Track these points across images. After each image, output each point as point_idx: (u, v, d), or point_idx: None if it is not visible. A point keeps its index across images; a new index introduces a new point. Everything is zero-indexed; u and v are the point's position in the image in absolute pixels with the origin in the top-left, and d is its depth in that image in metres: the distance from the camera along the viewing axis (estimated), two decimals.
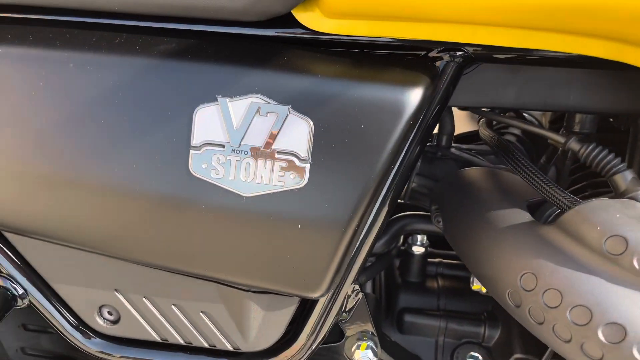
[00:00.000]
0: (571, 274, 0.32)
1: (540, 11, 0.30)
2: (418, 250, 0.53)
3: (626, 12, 0.29)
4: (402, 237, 0.53)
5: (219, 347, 0.41)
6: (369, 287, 0.53)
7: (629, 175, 0.36)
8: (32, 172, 0.34)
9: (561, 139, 0.39)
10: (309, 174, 0.33)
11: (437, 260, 0.54)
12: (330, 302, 0.40)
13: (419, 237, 0.53)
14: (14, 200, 0.35)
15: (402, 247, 0.54)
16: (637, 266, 0.31)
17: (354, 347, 0.42)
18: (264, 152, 0.33)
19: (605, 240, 0.32)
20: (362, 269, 0.50)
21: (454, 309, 0.50)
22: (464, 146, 0.53)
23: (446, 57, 0.36)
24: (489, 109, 0.47)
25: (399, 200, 0.49)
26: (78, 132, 0.33)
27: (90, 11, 0.35)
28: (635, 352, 0.30)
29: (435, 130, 0.48)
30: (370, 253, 0.41)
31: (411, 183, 0.46)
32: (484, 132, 0.46)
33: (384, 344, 0.47)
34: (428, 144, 0.49)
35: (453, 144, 0.49)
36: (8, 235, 0.40)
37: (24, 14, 0.36)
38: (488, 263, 0.36)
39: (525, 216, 0.37)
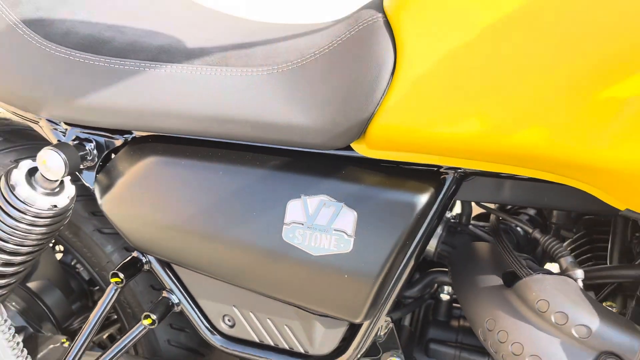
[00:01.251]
0: (518, 324, 0.50)
1: (509, 158, 0.48)
2: (445, 297, 0.71)
3: (571, 164, 0.46)
4: (434, 286, 0.71)
5: (295, 349, 0.62)
6: (407, 321, 0.72)
7: (569, 259, 0.52)
8: (195, 234, 0.58)
9: (529, 229, 0.56)
10: (353, 244, 0.53)
11: (459, 305, 0.72)
12: (370, 327, 0.60)
13: (446, 287, 0.71)
14: (183, 248, 0.60)
15: (434, 294, 0.72)
16: (575, 335, 0.48)
17: (387, 358, 0.62)
18: (326, 229, 0.54)
19: (552, 314, 0.49)
20: (397, 306, 0.69)
21: (468, 342, 0.67)
22: (481, 223, 0.70)
23: (451, 173, 0.55)
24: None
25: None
26: (222, 211, 0.57)
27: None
28: None
29: (459, 210, 0.67)
30: (399, 296, 0.60)
31: (438, 248, 0.65)
32: (491, 217, 0.64)
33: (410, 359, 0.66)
34: (452, 220, 0.67)
35: (472, 222, 0.67)
36: (174, 265, 0.65)
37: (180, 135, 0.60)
38: (471, 310, 0.54)
39: (498, 281, 0.54)
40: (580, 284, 0.51)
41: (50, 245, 0.90)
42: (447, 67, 0.47)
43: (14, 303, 0.83)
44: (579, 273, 0.51)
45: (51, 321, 0.84)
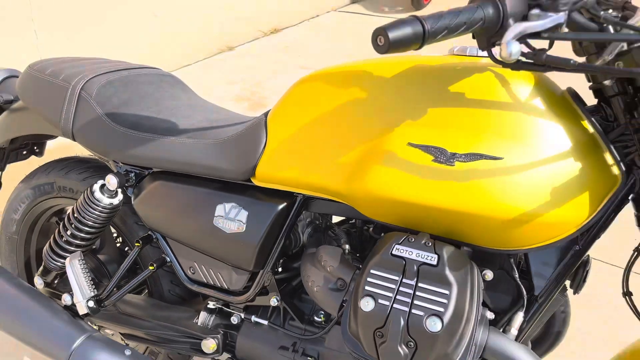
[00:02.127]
0: (317, 273, 1.02)
1: (319, 190, 1.02)
2: None
3: (344, 195, 0.99)
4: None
5: (224, 287, 1.16)
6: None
7: (346, 247, 1.04)
8: (177, 221, 1.16)
9: (343, 237, 1.09)
10: (245, 228, 1.08)
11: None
12: (261, 276, 1.12)
13: None
14: (171, 228, 1.17)
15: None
16: (327, 269, 0.99)
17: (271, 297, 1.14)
18: (233, 219, 1.09)
19: (327, 266, 1.01)
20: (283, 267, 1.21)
21: None
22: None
23: (300, 196, 1.08)
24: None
25: None
26: (189, 210, 1.14)
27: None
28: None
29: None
30: (278, 259, 1.13)
31: (305, 239, 1.17)
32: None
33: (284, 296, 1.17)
34: (317, 222, 1.19)
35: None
36: (167, 238, 1.21)
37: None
38: (303, 274, 1.07)
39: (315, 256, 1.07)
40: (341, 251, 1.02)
41: (114, 238, 1.50)
42: (287, 145, 1.02)
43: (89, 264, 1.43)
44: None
45: (108, 277, 1.43)
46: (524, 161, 0.83)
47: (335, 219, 1.19)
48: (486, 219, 0.85)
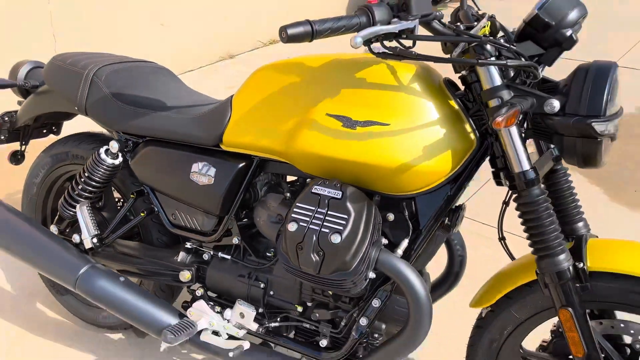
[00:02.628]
0: (264, 214, 1.36)
1: (267, 153, 1.36)
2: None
3: (283, 154, 1.33)
4: None
5: (197, 229, 1.51)
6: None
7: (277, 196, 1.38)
8: (161, 176, 1.51)
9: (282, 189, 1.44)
10: (214, 181, 1.43)
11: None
12: (226, 220, 1.46)
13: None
14: (157, 182, 1.51)
15: None
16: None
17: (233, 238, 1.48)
18: (205, 175, 1.44)
19: (272, 207, 1.34)
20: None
21: None
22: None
23: (256, 158, 1.42)
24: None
25: None
26: (171, 166, 1.49)
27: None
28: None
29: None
30: (240, 208, 1.47)
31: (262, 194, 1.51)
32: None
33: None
34: (272, 182, 1.53)
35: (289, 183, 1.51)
36: (155, 191, 1.56)
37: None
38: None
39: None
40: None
41: (115, 200, 1.84)
42: (246, 118, 1.36)
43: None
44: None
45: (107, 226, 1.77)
46: (405, 127, 1.17)
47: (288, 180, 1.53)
48: (378, 167, 1.19)
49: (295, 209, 1.22)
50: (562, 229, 1.22)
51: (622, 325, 1.20)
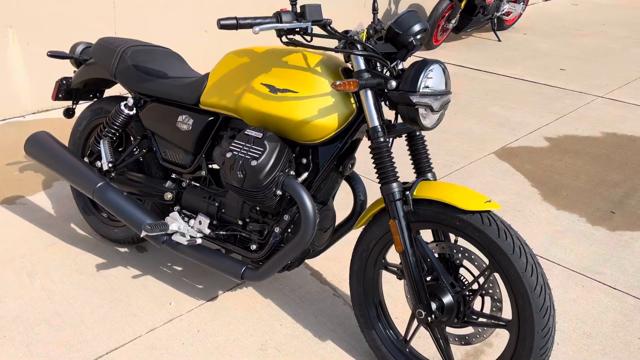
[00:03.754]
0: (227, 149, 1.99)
1: (227, 111, 1.99)
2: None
3: (235, 110, 1.96)
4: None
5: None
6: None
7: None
8: (160, 122, 2.18)
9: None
10: (192, 124, 2.07)
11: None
12: (199, 157, 2.10)
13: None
14: (156, 128, 2.18)
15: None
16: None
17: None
18: (188, 122, 2.09)
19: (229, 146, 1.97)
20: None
21: None
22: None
23: (221, 116, 2.05)
24: None
25: None
26: (166, 114, 2.16)
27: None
28: None
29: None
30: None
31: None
32: None
33: None
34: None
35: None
36: (155, 135, 2.22)
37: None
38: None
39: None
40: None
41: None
42: (216, 85, 2.01)
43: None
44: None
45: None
46: (308, 95, 1.77)
47: None
48: (289, 120, 1.79)
49: (232, 144, 1.85)
50: (417, 175, 1.78)
51: (449, 246, 1.74)
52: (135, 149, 2.30)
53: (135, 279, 2.41)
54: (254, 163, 1.78)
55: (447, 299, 1.69)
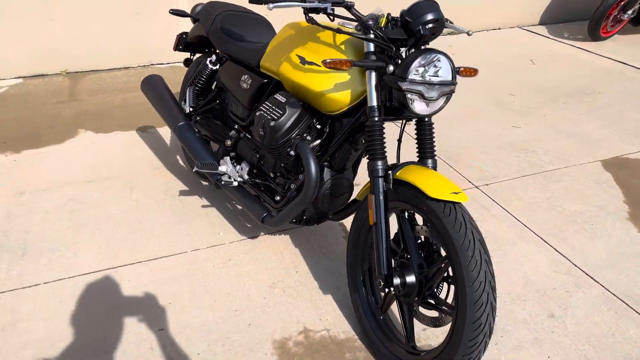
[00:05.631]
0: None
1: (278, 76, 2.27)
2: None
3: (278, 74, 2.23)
4: None
5: None
6: None
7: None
8: (229, 71, 2.54)
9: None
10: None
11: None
12: (253, 111, 2.43)
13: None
14: (226, 81, 2.55)
15: None
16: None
17: None
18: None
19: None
20: None
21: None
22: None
23: (274, 79, 2.33)
24: None
25: None
26: (233, 70, 2.52)
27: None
28: None
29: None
30: None
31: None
32: None
33: None
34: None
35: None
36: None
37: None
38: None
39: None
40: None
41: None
42: (271, 53, 2.29)
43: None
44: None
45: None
46: (329, 70, 1.96)
47: None
48: (311, 90, 2.00)
49: (262, 106, 2.13)
50: (419, 160, 1.87)
51: (424, 229, 1.82)
52: (212, 100, 2.71)
53: (203, 208, 2.87)
54: (272, 123, 2.04)
55: (410, 278, 1.80)
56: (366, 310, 2.05)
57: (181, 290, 2.29)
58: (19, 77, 4.65)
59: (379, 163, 1.82)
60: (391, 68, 1.76)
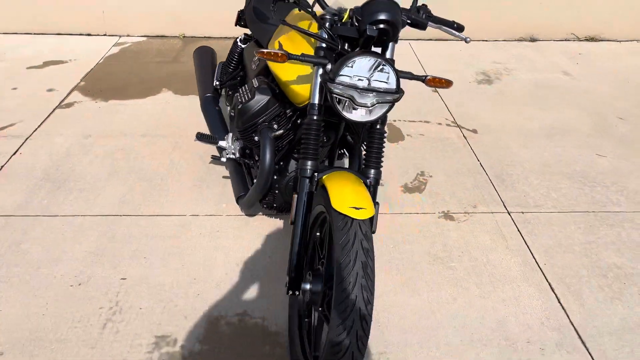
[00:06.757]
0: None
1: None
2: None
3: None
4: None
5: None
6: None
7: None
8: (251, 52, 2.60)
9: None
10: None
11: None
12: None
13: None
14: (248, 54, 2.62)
15: None
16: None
17: None
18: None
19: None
20: None
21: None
22: None
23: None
24: None
25: None
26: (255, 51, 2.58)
27: None
28: None
29: None
30: None
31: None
32: None
33: None
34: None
35: None
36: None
37: None
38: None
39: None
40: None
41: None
42: (276, 35, 2.30)
43: None
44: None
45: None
46: (297, 63, 1.93)
47: None
48: (279, 79, 2.00)
49: (241, 88, 2.17)
50: (364, 168, 1.78)
51: None
52: (235, 77, 2.81)
53: (224, 178, 3.00)
54: (240, 106, 2.08)
55: (317, 286, 1.73)
56: (295, 310, 2.02)
57: (159, 248, 2.47)
58: (144, 36, 5.20)
59: (309, 163, 1.76)
60: (328, 67, 1.67)
